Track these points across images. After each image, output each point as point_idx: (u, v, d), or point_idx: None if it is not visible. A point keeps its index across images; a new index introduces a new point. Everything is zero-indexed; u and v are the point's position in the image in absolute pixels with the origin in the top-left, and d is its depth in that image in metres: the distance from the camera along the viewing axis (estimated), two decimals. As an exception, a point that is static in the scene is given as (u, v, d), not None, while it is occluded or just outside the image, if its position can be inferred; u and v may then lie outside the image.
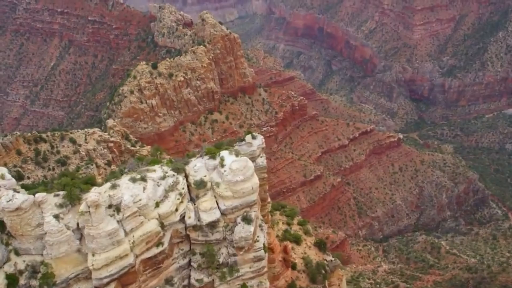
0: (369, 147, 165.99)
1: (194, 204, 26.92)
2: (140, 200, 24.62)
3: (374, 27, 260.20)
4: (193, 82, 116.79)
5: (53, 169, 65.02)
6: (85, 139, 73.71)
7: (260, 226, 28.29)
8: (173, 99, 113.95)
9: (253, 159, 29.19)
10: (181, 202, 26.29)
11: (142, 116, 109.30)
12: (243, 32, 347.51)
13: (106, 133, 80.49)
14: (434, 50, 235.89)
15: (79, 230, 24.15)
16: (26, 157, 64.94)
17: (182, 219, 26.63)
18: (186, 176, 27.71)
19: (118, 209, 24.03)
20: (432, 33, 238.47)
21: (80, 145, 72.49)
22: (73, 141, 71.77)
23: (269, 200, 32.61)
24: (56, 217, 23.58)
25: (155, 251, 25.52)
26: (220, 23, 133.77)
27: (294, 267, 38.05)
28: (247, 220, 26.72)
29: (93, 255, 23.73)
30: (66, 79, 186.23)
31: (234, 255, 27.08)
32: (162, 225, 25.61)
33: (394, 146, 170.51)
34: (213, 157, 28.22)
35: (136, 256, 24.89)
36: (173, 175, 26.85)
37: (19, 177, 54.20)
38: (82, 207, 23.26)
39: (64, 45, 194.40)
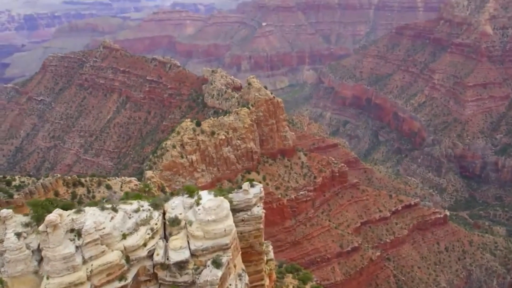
0: (413, 221, 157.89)
1: (166, 242, 26.38)
2: (103, 228, 24.29)
3: (423, 100, 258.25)
4: (234, 141, 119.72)
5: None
6: (121, 187, 76.21)
7: (239, 276, 26.93)
8: (213, 156, 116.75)
9: (248, 207, 28.65)
10: (152, 238, 25.70)
11: (181, 171, 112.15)
12: (292, 99, 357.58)
13: (142, 183, 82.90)
14: (486, 127, 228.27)
15: (39, 252, 24.05)
16: (63, 199, 67.79)
17: (151, 256, 25.95)
18: (164, 213, 27.52)
19: (79, 234, 23.88)
20: (484, 110, 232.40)
21: (115, 192, 74.89)
22: (109, 187, 74.48)
23: (271, 257, 31.41)
24: (18, 235, 23.77)
25: (116, 285, 24.54)
26: (265, 87, 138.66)
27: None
28: (216, 263, 25.35)
29: (47, 278, 23.29)
30: (119, 132, 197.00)
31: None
32: (128, 259, 24.95)
33: (440, 223, 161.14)
34: (191, 195, 28.06)
35: (95, 287, 24.15)
36: (149, 209, 26.74)
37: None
38: (41, 226, 23.38)
39: (122, 100, 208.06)
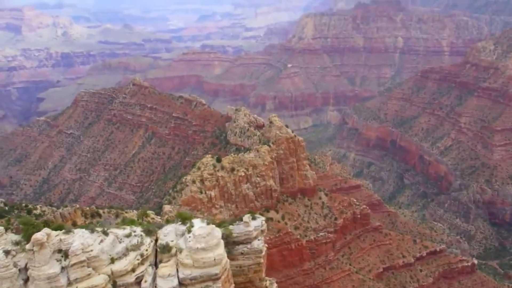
0: (438, 269, 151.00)
1: (156, 269, 25.92)
2: (91, 250, 24.14)
3: (450, 144, 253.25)
4: (253, 178, 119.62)
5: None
6: (138, 220, 76.59)
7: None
8: (232, 192, 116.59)
9: (248, 240, 28.11)
10: (141, 264, 25.33)
11: (200, 206, 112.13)
12: (316, 139, 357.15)
13: (159, 217, 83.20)
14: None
15: (26, 271, 23.97)
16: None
17: (139, 282, 25.33)
18: (157, 240, 27.25)
19: (66, 255, 23.74)
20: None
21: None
22: (125, 220, 74.99)
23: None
24: (7, 252, 23.87)
25: (101, 309, 24.05)
26: (286, 126, 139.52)
27: None
28: None
29: None
30: (143, 167, 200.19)
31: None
32: (115, 284, 24.52)
33: (468, 272, 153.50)
34: (184, 222, 27.78)
35: (78, 310, 23.79)
36: (141, 235, 26.57)
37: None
38: (28, 245, 23.41)
39: (148, 136, 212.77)
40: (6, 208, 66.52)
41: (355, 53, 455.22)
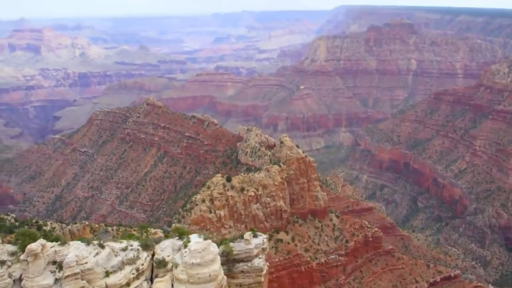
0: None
1: (151, 284, 25.57)
2: (85, 263, 23.90)
3: (464, 167, 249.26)
4: (263, 198, 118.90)
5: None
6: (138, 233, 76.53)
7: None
8: (241, 212, 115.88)
9: (249, 258, 27.67)
10: (136, 278, 25.03)
11: (209, 226, 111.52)
12: (328, 160, 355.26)
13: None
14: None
15: (21, 282, 23.84)
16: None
17: None
18: (154, 254, 26.97)
19: (60, 266, 23.55)
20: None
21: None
22: (131, 236, 74.97)
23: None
24: (2, 262, 23.79)
25: (93, 322, 23.89)
26: (297, 146, 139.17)
27: None
28: None
29: None
30: (154, 185, 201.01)
31: None
32: None
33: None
34: (181, 237, 27.52)
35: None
36: (137, 249, 26.34)
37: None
38: (23, 255, 23.29)
39: (160, 155, 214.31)
40: (17, 224, 67.15)
41: (368, 75, 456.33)
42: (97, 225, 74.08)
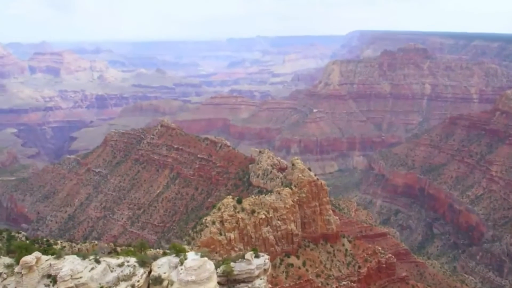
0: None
1: None
2: (80, 277, 23.69)
3: (481, 193, 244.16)
4: (274, 221, 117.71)
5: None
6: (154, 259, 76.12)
7: None
8: (252, 235, 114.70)
9: (249, 279, 27.17)
10: None
11: (219, 248, 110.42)
12: (341, 184, 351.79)
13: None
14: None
15: None
16: (97, 265, 68.51)
17: None
18: (150, 271, 26.65)
19: (55, 280, 23.36)
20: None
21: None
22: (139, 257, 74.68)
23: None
24: None
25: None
26: (309, 169, 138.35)
27: None
28: None
29: None
30: (166, 206, 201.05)
31: None
32: None
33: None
34: (178, 255, 27.20)
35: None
36: (134, 266, 26.08)
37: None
38: (17, 267, 23.15)
39: (173, 176, 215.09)
40: (27, 242, 67.59)
41: (382, 99, 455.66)
42: (106, 245, 74.10)
